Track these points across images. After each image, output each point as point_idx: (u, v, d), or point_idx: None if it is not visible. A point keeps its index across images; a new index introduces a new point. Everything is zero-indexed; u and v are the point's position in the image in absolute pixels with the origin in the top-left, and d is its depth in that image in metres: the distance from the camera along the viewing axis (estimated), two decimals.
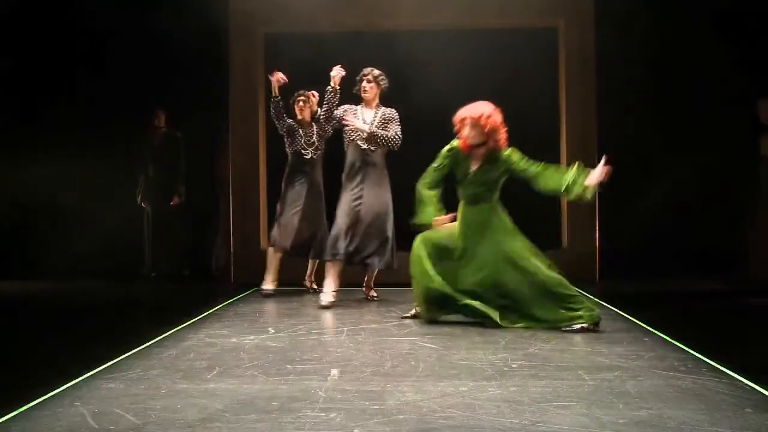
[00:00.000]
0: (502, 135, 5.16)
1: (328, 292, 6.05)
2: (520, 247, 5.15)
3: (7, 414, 3.09)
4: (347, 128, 6.22)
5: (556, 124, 7.90)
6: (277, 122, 6.76)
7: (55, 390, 3.43)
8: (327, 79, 7.91)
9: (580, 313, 4.84)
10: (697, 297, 6.51)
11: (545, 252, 6.27)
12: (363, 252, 6.14)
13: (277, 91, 6.63)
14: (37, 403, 3.24)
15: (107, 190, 8.48)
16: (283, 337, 4.75)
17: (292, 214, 6.65)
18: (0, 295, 7.37)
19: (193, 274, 8.50)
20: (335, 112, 6.27)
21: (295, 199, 6.68)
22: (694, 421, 2.88)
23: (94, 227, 8.39)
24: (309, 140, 6.76)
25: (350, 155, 6.25)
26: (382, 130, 6.19)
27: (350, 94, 6.31)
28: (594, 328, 4.80)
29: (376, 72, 6.24)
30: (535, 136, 7.91)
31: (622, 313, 5.49)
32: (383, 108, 6.28)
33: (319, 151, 6.79)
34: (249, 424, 2.91)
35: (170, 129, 8.54)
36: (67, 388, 3.49)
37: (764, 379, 3.46)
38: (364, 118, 6.25)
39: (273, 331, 4.96)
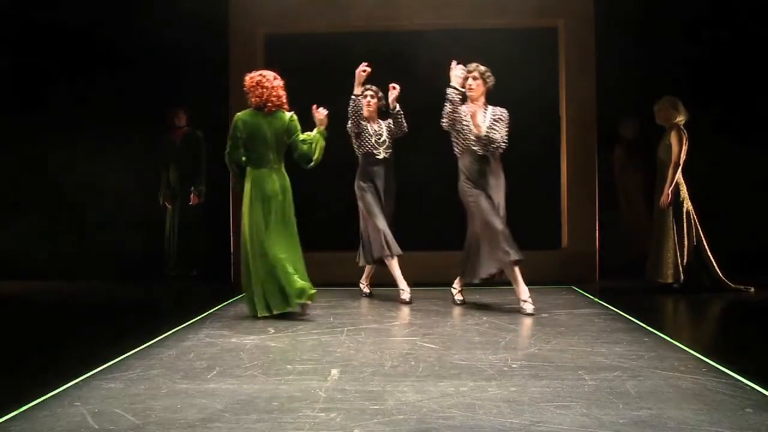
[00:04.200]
0: (256, 93, 5.52)
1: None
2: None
3: (7, 414, 3.09)
4: (463, 131, 5.80)
5: (556, 124, 7.90)
6: (353, 120, 6.39)
7: (55, 390, 3.44)
8: (326, 80, 7.92)
9: None
10: (698, 297, 6.51)
11: (545, 252, 6.27)
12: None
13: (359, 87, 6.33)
14: (37, 403, 3.24)
15: (124, 189, 8.47)
16: (283, 337, 4.75)
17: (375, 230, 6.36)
18: (0, 295, 7.37)
19: (201, 274, 8.44)
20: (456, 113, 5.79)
21: (374, 211, 6.37)
22: (694, 421, 2.88)
23: (113, 227, 8.41)
24: (379, 139, 6.46)
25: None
26: (492, 131, 5.78)
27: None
28: None
29: (482, 68, 5.89)
30: (536, 136, 7.92)
31: (622, 313, 5.49)
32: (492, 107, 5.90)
33: (390, 150, 6.48)
34: (249, 424, 2.91)
35: (191, 128, 8.51)
36: (67, 388, 3.50)
37: (764, 379, 3.46)
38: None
39: (273, 331, 4.96)
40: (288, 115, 5.62)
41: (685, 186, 6.78)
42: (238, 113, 5.60)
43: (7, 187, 8.63)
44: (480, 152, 5.76)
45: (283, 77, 8.00)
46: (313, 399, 3.25)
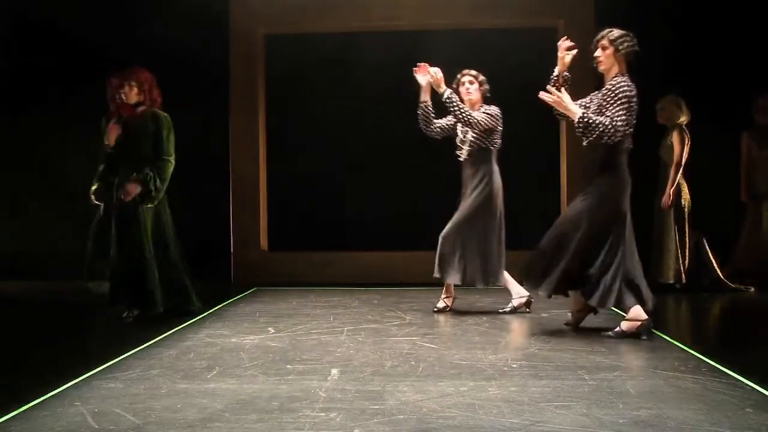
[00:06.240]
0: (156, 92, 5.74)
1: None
2: None
3: (7, 414, 3.09)
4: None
5: (556, 124, 7.90)
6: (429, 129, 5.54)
7: (55, 390, 3.44)
8: (326, 80, 7.91)
9: None
10: (698, 297, 6.51)
11: None
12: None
13: (427, 95, 5.42)
14: (37, 403, 3.24)
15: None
16: (283, 337, 4.75)
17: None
18: (0, 295, 7.36)
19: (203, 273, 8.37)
20: None
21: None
22: (694, 421, 2.88)
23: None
24: (464, 136, 5.48)
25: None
26: (597, 114, 4.52)
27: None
28: None
29: (616, 33, 4.61)
30: (535, 137, 7.93)
31: (623, 314, 5.48)
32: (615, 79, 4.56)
33: (470, 149, 5.44)
34: (249, 424, 2.91)
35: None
36: (67, 388, 3.50)
37: (764, 379, 3.46)
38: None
39: (273, 331, 4.96)
40: None
41: (686, 186, 6.79)
42: (167, 115, 5.63)
43: (7, 187, 8.62)
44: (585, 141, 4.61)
45: (282, 77, 8.01)
46: (313, 399, 3.25)
